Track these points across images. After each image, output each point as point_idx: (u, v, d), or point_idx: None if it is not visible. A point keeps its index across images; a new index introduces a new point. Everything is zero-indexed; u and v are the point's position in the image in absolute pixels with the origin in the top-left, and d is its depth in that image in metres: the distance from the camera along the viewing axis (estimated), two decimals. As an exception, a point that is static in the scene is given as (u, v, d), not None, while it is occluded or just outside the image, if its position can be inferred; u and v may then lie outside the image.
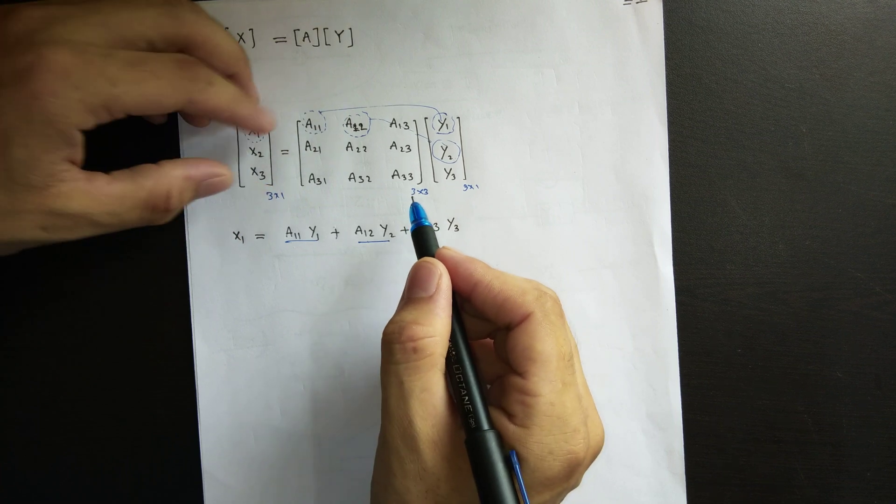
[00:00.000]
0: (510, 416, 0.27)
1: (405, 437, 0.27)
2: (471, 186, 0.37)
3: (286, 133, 0.36)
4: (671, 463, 0.37)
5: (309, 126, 0.36)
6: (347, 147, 0.37)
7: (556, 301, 0.29)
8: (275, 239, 0.37)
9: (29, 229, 0.29)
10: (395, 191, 0.37)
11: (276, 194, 0.37)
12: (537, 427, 0.27)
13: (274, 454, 0.37)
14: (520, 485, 0.26)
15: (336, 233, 0.37)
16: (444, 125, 0.37)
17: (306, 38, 0.36)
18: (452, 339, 0.29)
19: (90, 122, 0.28)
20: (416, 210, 0.33)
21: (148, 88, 0.29)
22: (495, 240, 0.37)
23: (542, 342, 0.28)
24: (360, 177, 0.37)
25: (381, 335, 0.37)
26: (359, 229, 0.37)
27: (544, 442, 0.27)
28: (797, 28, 0.37)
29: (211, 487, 0.37)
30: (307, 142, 0.37)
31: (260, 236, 0.37)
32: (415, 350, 0.28)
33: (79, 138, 0.28)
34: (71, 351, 0.37)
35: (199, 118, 0.35)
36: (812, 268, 0.37)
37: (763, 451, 0.38)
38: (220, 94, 0.31)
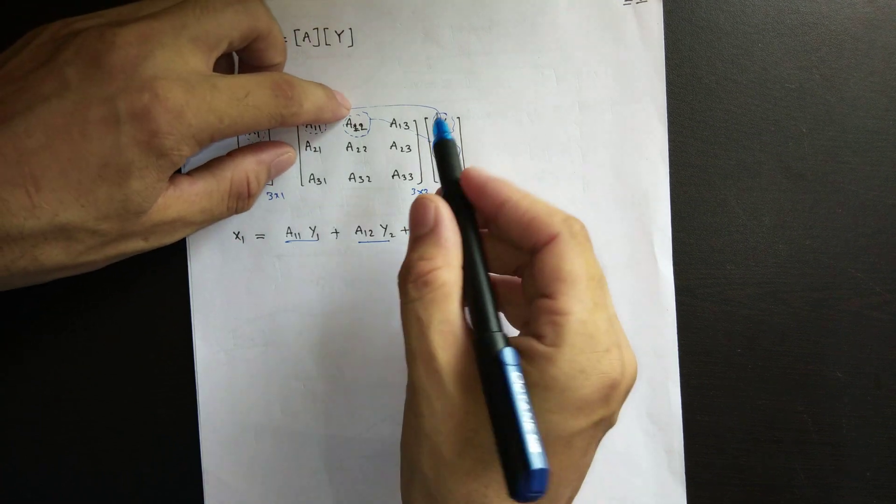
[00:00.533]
0: (540, 338, 0.26)
1: (429, 372, 0.27)
2: (471, 186, 0.37)
3: (286, 133, 0.36)
4: (671, 463, 0.37)
5: (309, 126, 0.36)
6: (347, 147, 0.37)
7: (584, 228, 0.29)
8: (275, 239, 0.37)
9: (132, 244, 0.31)
10: (395, 191, 0.37)
11: (276, 194, 0.37)
12: (568, 345, 0.26)
13: (274, 454, 0.37)
14: (507, 384, 0.24)
15: (336, 233, 0.37)
16: (444, 125, 0.37)
17: (306, 39, 0.36)
18: (465, 253, 0.29)
19: (196, 151, 0.30)
20: (439, 125, 0.32)
21: (248, 121, 0.30)
22: (495, 240, 0.37)
23: (571, 262, 0.27)
24: (361, 177, 0.37)
25: (381, 335, 0.37)
26: (359, 229, 0.37)
27: (576, 360, 0.26)
28: (797, 28, 0.37)
29: (211, 487, 0.37)
30: (307, 142, 0.37)
31: (260, 236, 0.37)
32: (426, 284, 0.27)
33: (183, 163, 0.30)
34: (71, 350, 0.37)
35: None
36: (812, 268, 0.37)
37: (763, 451, 0.38)
38: (307, 112, 0.33)
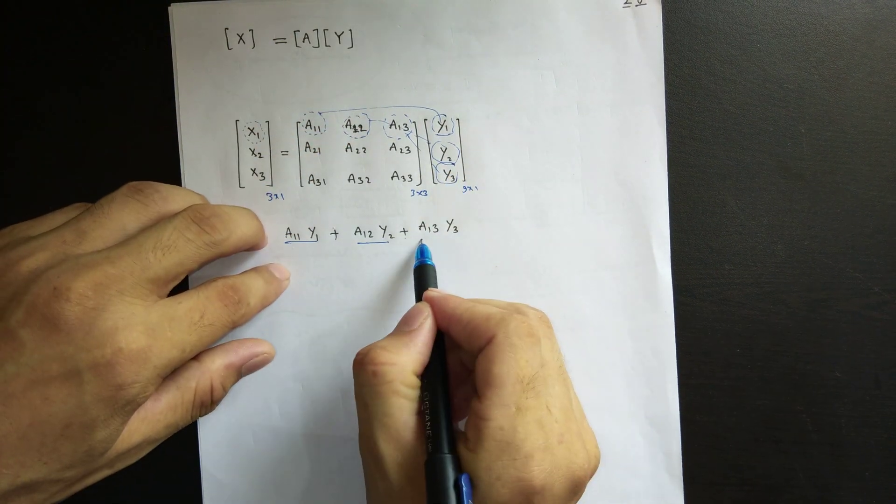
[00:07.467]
0: (465, 441, 0.27)
1: (373, 457, 0.28)
2: (470, 188, 0.37)
3: (286, 134, 0.37)
4: (669, 465, 0.37)
5: (308, 127, 0.37)
6: (347, 148, 0.37)
7: (526, 321, 0.29)
8: (274, 240, 0.37)
9: (98, 475, 0.30)
10: (394, 192, 0.37)
11: (275, 195, 0.37)
12: (485, 452, 0.26)
13: (273, 454, 0.37)
14: None
15: (335, 234, 0.37)
16: (444, 127, 0.37)
17: (306, 40, 0.36)
18: (429, 369, 0.30)
19: (160, 383, 0.29)
20: (421, 250, 0.35)
21: (206, 340, 0.31)
22: (494, 241, 0.37)
23: (499, 365, 0.27)
24: (360, 178, 0.37)
25: (379, 336, 0.37)
26: (358, 230, 0.37)
27: (492, 467, 0.26)
28: (796, 28, 0.37)
29: (210, 487, 0.37)
30: (307, 143, 0.37)
31: (260, 237, 0.37)
32: (374, 374, 0.28)
33: (147, 399, 0.29)
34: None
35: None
36: (811, 268, 0.37)
37: (762, 452, 0.38)
38: (254, 308, 0.34)
